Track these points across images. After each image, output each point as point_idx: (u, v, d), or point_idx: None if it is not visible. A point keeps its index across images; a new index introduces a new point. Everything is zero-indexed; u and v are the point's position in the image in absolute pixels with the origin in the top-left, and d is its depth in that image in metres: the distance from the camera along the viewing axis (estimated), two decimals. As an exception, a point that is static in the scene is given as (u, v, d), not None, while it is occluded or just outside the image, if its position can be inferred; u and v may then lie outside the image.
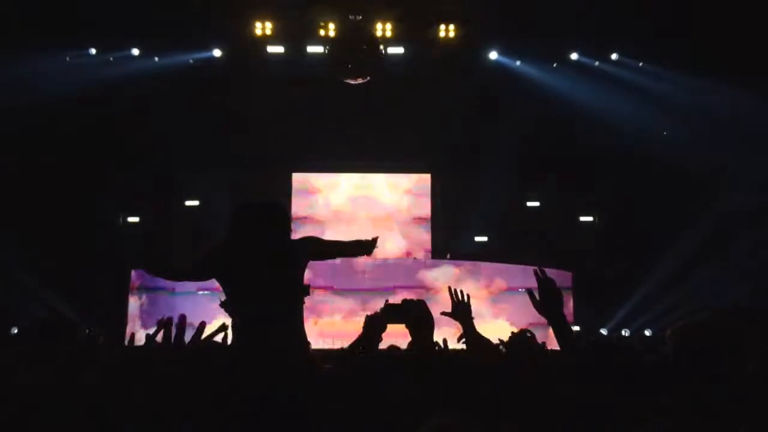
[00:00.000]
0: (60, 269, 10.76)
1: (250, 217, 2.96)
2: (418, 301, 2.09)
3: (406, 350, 3.69)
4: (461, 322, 2.61)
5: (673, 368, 1.74)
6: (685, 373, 1.70)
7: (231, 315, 2.91)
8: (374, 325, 2.27)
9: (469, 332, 2.56)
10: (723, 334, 1.74)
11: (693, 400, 1.64)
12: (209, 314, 9.13)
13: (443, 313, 2.67)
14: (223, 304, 2.93)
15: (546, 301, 2.20)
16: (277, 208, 3.08)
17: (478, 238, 12.83)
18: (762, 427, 1.67)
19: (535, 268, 2.29)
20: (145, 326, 9.58)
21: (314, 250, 3.10)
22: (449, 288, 2.77)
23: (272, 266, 2.83)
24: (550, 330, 2.19)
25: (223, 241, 3.02)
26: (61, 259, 10.97)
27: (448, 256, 10.97)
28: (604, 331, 10.87)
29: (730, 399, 1.65)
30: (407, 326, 2.09)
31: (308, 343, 2.93)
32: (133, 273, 10.28)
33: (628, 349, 2.61)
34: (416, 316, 2.06)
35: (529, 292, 2.29)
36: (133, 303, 10.11)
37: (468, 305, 2.68)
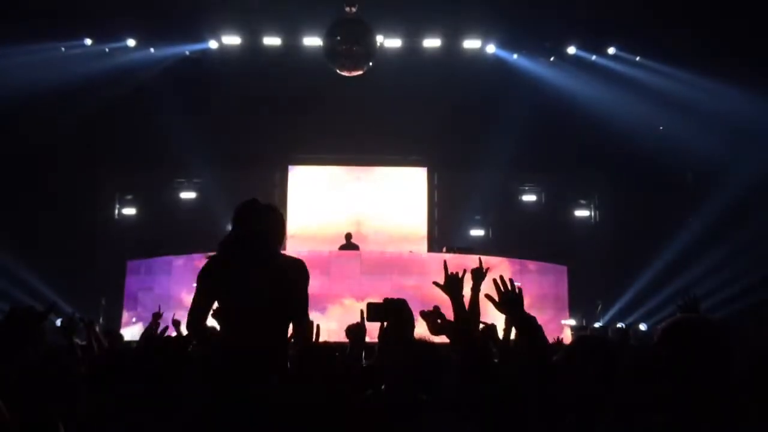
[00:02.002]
0: (57, 260, 10.73)
1: (247, 224, 2.88)
2: (399, 300, 2.10)
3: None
4: (451, 297, 2.62)
5: (662, 363, 1.74)
6: (676, 367, 1.69)
7: (220, 325, 2.89)
8: (355, 334, 2.30)
9: (457, 309, 2.59)
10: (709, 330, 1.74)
11: (687, 394, 1.64)
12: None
13: (435, 283, 2.70)
14: (215, 314, 2.89)
15: (503, 302, 2.31)
16: (275, 215, 2.97)
17: (474, 232, 12.85)
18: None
19: (495, 278, 2.36)
20: (140, 318, 9.56)
21: (297, 285, 2.87)
22: (444, 262, 2.76)
23: (264, 287, 2.75)
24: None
25: (217, 253, 2.93)
26: (58, 250, 10.95)
27: (444, 249, 10.96)
28: (598, 325, 10.87)
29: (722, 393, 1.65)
30: (388, 324, 2.10)
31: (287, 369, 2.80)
32: (128, 264, 10.25)
33: (618, 343, 2.62)
34: (397, 314, 2.07)
35: (487, 296, 2.39)
36: (129, 294, 10.08)
37: (460, 281, 2.69)
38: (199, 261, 3.03)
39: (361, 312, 2.69)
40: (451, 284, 2.61)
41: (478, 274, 2.89)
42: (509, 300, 2.32)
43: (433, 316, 2.74)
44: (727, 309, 9.40)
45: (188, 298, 9.85)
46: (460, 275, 2.65)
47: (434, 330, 2.79)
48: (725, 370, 1.66)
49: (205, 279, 2.88)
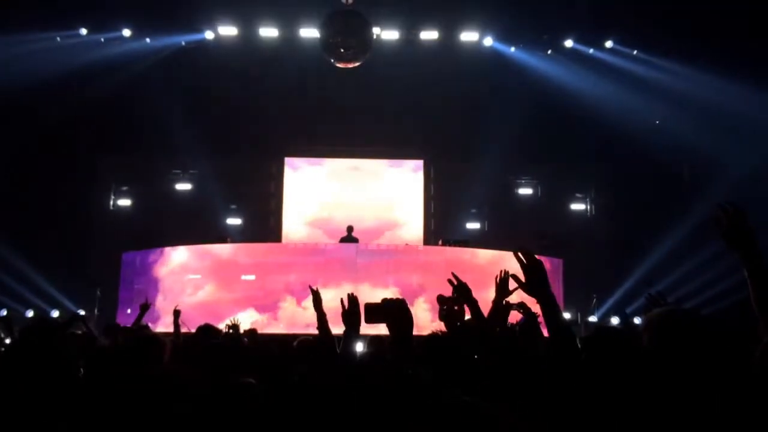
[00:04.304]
0: (52, 252, 10.72)
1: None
2: (398, 300, 2.07)
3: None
4: (463, 302, 2.66)
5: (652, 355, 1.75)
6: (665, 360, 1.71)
7: None
8: (351, 317, 2.26)
9: (474, 313, 2.61)
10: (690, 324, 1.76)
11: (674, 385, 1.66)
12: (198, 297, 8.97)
13: (449, 280, 2.73)
14: None
15: (530, 280, 2.05)
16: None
17: (470, 225, 12.86)
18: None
19: (516, 251, 2.09)
20: (136, 311, 9.55)
21: None
22: (452, 273, 2.75)
23: None
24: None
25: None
26: (54, 242, 10.93)
27: (440, 242, 10.97)
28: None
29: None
30: (387, 325, 2.07)
31: None
32: (124, 256, 10.23)
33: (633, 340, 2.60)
34: (396, 315, 2.05)
35: (513, 276, 2.19)
36: (125, 286, 10.08)
37: (467, 289, 2.68)
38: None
39: (352, 308, 2.66)
40: (461, 292, 2.68)
41: (504, 288, 2.77)
42: (536, 277, 2.01)
43: (450, 303, 2.72)
44: (721, 303, 9.41)
45: (182, 290, 9.77)
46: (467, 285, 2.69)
47: (445, 318, 2.80)
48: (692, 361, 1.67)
49: None
